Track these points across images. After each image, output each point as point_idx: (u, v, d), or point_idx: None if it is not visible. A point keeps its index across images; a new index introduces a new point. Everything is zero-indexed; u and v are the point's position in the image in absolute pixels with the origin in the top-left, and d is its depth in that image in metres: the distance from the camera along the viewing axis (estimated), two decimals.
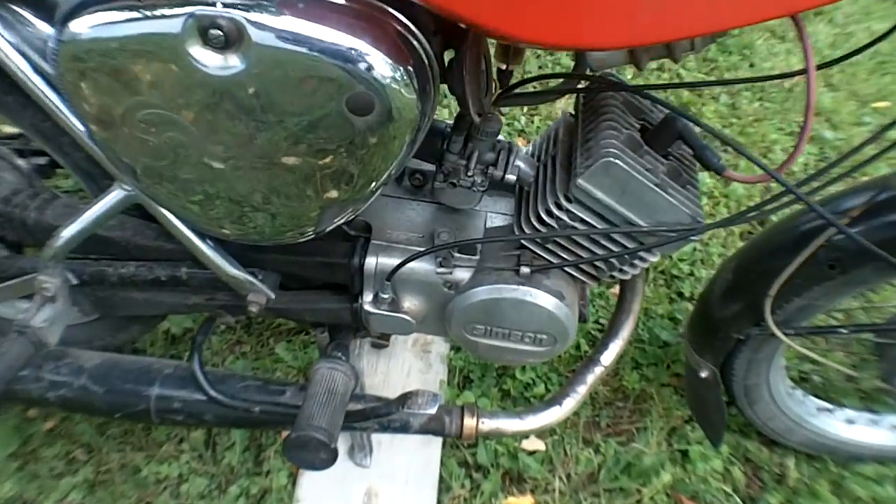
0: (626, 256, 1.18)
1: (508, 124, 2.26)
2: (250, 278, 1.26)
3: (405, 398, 1.23)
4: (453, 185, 1.20)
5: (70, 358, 1.31)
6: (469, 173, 1.19)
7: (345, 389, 1.22)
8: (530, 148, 1.36)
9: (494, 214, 1.32)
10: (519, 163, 1.21)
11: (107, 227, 1.27)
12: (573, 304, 1.22)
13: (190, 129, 0.96)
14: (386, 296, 1.23)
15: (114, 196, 1.16)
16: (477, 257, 1.23)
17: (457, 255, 1.22)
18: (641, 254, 1.17)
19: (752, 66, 2.83)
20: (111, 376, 1.30)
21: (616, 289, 2.01)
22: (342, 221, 1.12)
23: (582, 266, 1.22)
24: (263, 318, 1.45)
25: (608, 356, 1.40)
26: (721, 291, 1.44)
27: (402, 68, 0.91)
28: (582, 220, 1.14)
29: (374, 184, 1.04)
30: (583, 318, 1.29)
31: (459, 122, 1.16)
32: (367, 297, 1.27)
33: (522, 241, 1.21)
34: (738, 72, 2.77)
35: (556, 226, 1.15)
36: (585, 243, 1.17)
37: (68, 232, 1.19)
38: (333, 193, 1.03)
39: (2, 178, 1.36)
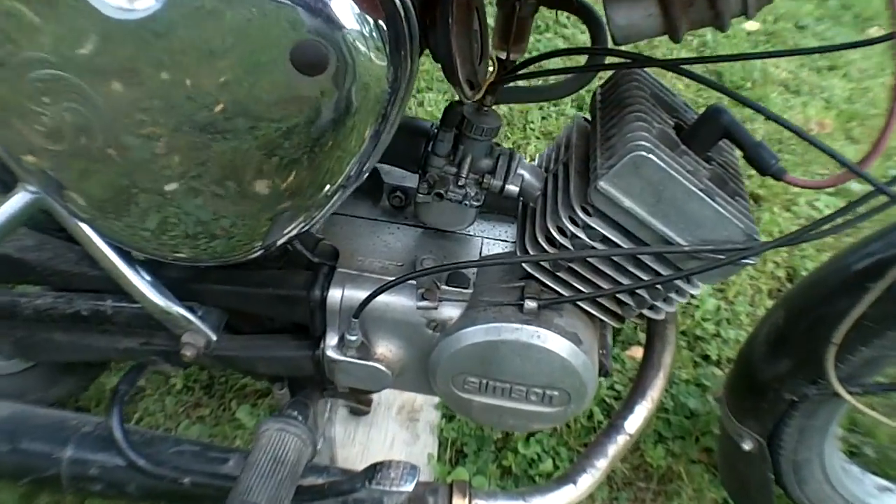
0: (660, 287, 0.92)
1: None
2: (185, 313, 0.99)
3: (374, 470, 0.95)
4: (440, 197, 0.95)
5: None
6: (460, 183, 0.94)
7: (296, 457, 0.94)
8: (537, 159, 1.11)
9: (492, 241, 1.06)
10: (522, 171, 0.97)
11: (21, 249, 1.04)
12: (591, 351, 0.96)
13: (92, 97, 0.72)
14: (353, 338, 0.96)
15: (16, 200, 0.89)
16: (469, 290, 0.97)
17: (444, 287, 0.96)
18: (679, 283, 0.91)
19: (766, 118, 2.62)
20: (18, 432, 1.04)
21: (634, 350, 1.77)
22: (294, 233, 0.88)
23: (602, 301, 0.95)
24: (208, 367, 1.18)
25: (634, 422, 1.12)
26: (769, 343, 1.18)
27: (370, 21, 0.68)
28: (603, 239, 0.89)
29: (329, 182, 0.80)
30: (604, 372, 1.02)
31: (448, 115, 0.93)
32: (331, 339, 1.00)
33: (526, 268, 0.94)
34: (754, 123, 2.56)
35: (569, 246, 0.89)
36: (607, 270, 0.91)
37: None
38: (277, 191, 0.79)
39: None
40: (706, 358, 1.77)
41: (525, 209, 1.00)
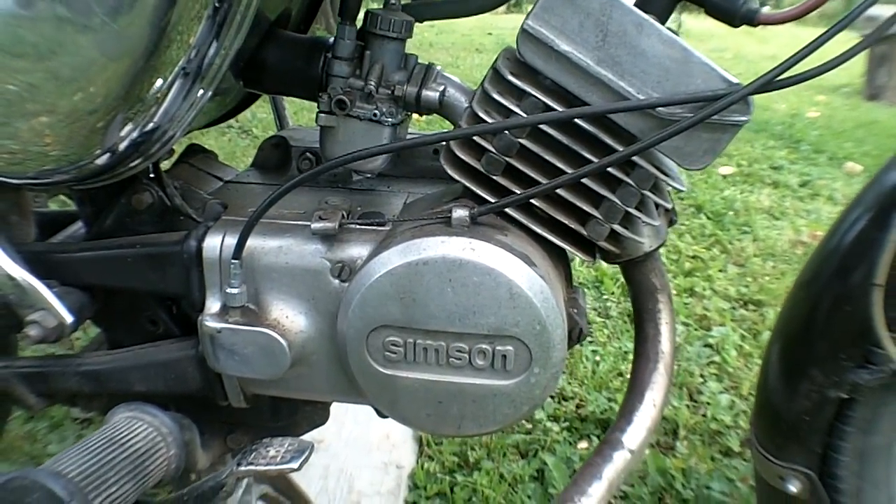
0: (629, 181, 0.68)
1: None
2: (38, 286, 0.75)
3: (249, 452, 0.65)
4: (342, 107, 0.74)
5: None
6: (368, 91, 0.74)
7: (145, 448, 0.65)
8: None
9: (419, 195, 0.84)
10: (444, 82, 0.77)
11: None
12: (551, 281, 0.69)
13: None
14: (235, 290, 0.71)
15: None
16: (386, 228, 0.73)
17: (353, 225, 0.73)
18: (648, 166, 0.68)
19: (755, 239, 2.46)
20: None
21: None
22: (135, 135, 0.69)
23: (560, 218, 0.71)
24: (87, 395, 0.89)
25: (634, 435, 0.82)
26: (793, 335, 0.91)
27: None
28: (539, 108, 0.67)
29: (162, 73, 0.65)
30: (579, 333, 0.75)
31: (346, 5, 0.75)
32: (211, 306, 0.74)
33: (456, 177, 0.71)
34: (742, 242, 2.39)
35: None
36: (560, 164, 0.68)
37: None
38: (95, 78, 0.63)
39: None
40: (727, 453, 1.44)
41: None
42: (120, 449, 0.66)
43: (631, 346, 1.73)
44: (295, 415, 0.88)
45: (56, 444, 1.36)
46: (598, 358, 1.71)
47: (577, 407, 1.53)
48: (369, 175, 0.83)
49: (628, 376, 1.53)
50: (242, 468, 0.65)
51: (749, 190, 2.91)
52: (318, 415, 0.90)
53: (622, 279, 1.93)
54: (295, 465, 0.65)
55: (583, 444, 1.41)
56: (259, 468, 0.65)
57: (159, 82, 0.66)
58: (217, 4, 0.63)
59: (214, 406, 0.84)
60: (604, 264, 1.98)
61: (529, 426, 1.44)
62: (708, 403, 1.58)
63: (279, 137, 0.89)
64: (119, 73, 0.64)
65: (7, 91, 0.64)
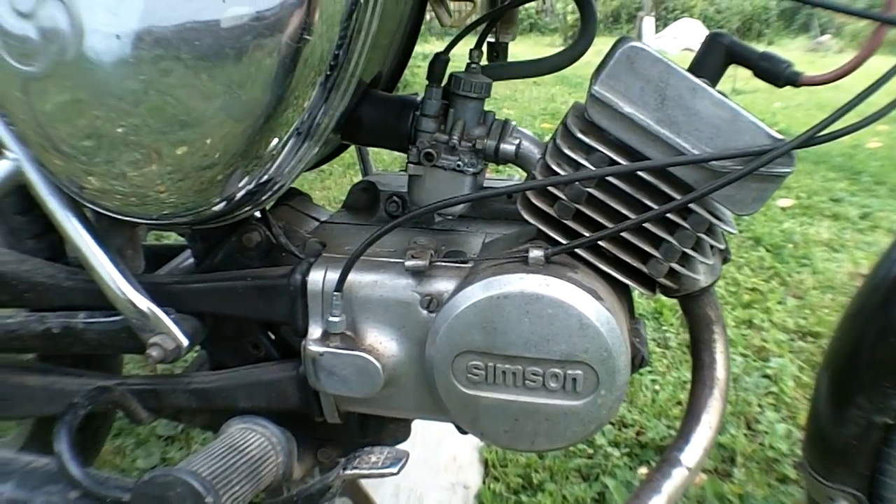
0: (685, 225, 0.79)
1: None
2: (159, 313, 0.88)
3: (353, 458, 0.76)
4: (430, 159, 0.87)
5: None
6: (452, 144, 0.86)
7: (259, 455, 0.77)
8: None
9: (496, 235, 0.95)
10: (519, 136, 0.89)
11: (1, 262, 0.98)
12: (617, 314, 0.80)
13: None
14: (336, 318, 0.83)
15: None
16: (468, 266, 0.85)
17: (440, 263, 0.84)
18: (704, 213, 0.78)
19: (814, 271, 2.51)
20: None
21: None
22: (251, 186, 0.81)
23: (621, 255, 0.82)
24: (182, 411, 1.02)
25: (692, 454, 0.92)
26: (842, 364, 1.00)
27: None
28: (606, 162, 0.78)
29: (278, 134, 0.77)
30: (640, 360, 0.85)
31: (433, 68, 0.88)
32: (314, 332, 0.86)
33: (531, 220, 0.83)
34: (801, 275, 2.45)
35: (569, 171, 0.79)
36: (623, 210, 0.79)
37: None
38: (221, 138, 0.76)
39: None
40: (783, 480, 1.51)
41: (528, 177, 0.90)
42: (239, 455, 0.79)
43: (689, 375, 1.81)
44: (381, 431, 1.00)
45: (143, 458, 1.50)
46: (657, 387, 1.79)
47: (637, 434, 1.61)
48: (450, 217, 0.95)
49: (686, 405, 1.61)
50: (349, 472, 0.77)
51: (808, 222, 2.96)
52: (400, 431, 1.01)
53: (680, 312, 2.01)
54: (395, 469, 0.76)
55: (642, 470, 1.50)
56: (363, 472, 0.76)
57: (275, 141, 0.78)
58: (329, 72, 0.76)
59: (309, 422, 0.96)
60: (663, 297, 2.08)
61: (591, 451, 1.53)
62: (765, 432, 1.65)
63: (367, 182, 1.02)
64: (241, 133, 0.76)
65: (126, 142, 0.76)
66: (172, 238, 1.61)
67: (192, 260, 1.09)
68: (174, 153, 0.77)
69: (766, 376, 1.90)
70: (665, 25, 13.42)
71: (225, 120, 0.75)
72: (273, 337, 0.98)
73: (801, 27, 16.33)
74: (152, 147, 0.77)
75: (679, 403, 1.75)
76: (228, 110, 0.74)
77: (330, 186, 3.27)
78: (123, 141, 0.77)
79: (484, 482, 1.43)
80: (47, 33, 0.73)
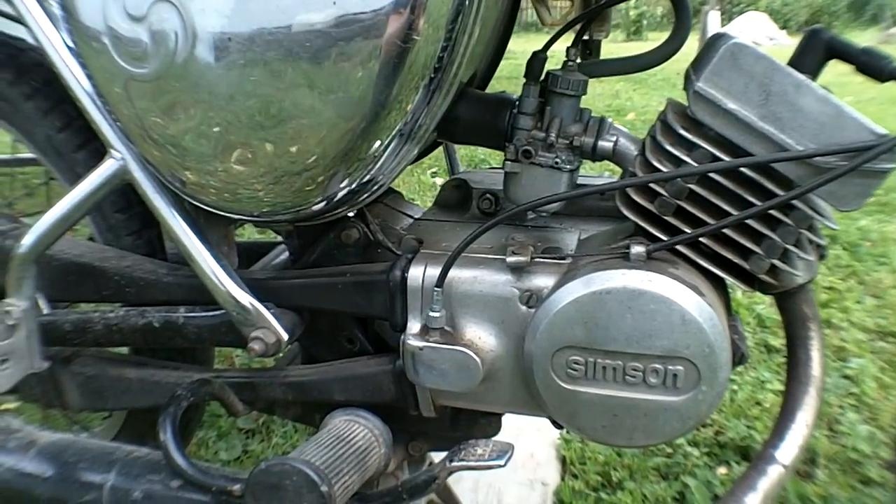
0: (787, 221, 0.81)
1: None
2: (260, 307, 0.94)
3: (459, 451, 0.80)
4: (528, 156, 0.90)
5: (22, 433, 0.99)
6: (549, 142, 0.89)
7: (364, 445, 0.82)
8: None
9: (592, 231, 0.98)
10: (616, 132, 0.91)
11: (103, 259, 1.06)
12: (718, 309, 0.82)
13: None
14: (437, 313, 0.87)
15: (105, 168, 0.93)
16: (566, 262, 0.88)
17: (538, 259, 0.87)
18: (804, 208, 0.80)
19: (892, 270, 2.47)
20: (63, 457, 0.95)
21: None
22: (353, 185, 0.85)
23: (722, 252, 0.84)
24: (276, 404, 1.06)
25: (787, 451, 0.93)
26: None
27: None
28: (708, 158, 0.80)
29: (380, 137, 0.81)
30: (740, 356, 0.87)
31: (531, 67, 0.91)
32: (413, 326, 0.90)
33: (630, 217, 0.85)
34: (879, 273, 2.42)
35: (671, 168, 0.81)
36: (724, 206, 0.81)
37: (50, 217, 0.95)
38: (325, 140, 0.80)
39: None
40: (867, 482, 1.51)
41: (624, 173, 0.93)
42: (346, 445, 0.83)
43: (767, 375, 1.82)
44: (472, 425, 1.03)
45: (224, 451, 1.56)
46: (735, 387, 1.80)
47: (717, 433, 1.63)
48: (544, 214, 0.98)
49: (766, 405, 1.63)
50: (456, 464, 0.80)
51: (886, 220, 2.91)
52: (491, 426, 1.05)
53: (756, 311, 2.01)
54: (501, 462, 0.79)
55: (722, 470, 1.51)
56: (470, 464, 0.80)
57: (378, 143, 0.81)
58: (433, 75, 0.79)
59: (401, 415, 1.00)
60: (738, 296, 2.07)
61: (670, 450, 1.55)
62: (847, 434, 1.65)
63: (459, 180, 1.05)
64: (345, 136, 0.79)
65: (233, 143, 0.81)
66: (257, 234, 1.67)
67: (284, 256, 1.14)
68: (279, 154, 0.81)
69: (847, 377, 1.89)
70: (730, 19, 13.25)
71: (330, 122, 0.79)
72: (368, 331, 1.02)
73: (871, 18, 15.92)
74: (258, 147, 0.82)
75: (758, 403, 1.75)
76: (334, 113, 0.78)
77: (398, 184, 3.33)
78: (230, 141, 0.81)
79: (563, 479, 1.46)
80: (159, 36, 0.78)
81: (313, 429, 1.53)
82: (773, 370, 1.91)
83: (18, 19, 0.96)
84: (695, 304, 0.80)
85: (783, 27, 14.08)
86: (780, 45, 12.03)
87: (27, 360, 1.04)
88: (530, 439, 1.52)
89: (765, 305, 2.18)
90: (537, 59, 0.90)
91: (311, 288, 0.96)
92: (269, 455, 1.53)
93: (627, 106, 5.44)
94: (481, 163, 3.33)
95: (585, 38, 0.95)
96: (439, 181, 3.27)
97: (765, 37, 12.73)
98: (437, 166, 3.16)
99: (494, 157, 3.40)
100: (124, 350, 1.18)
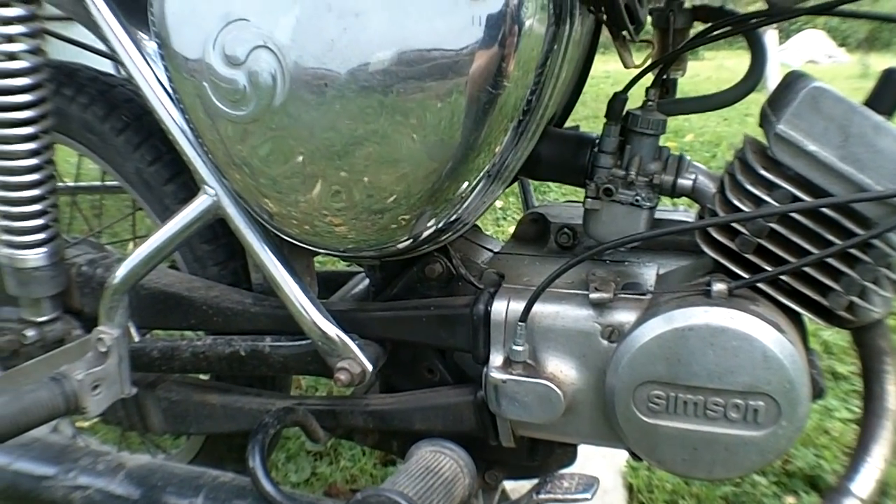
0: (866, 258, 0.84)
1: None
2: (346, 338, 1.00)
3: (545, 483, 0.85)
4: (609, 194, 0.95)
5: (111, 456, 1.05)
6: (629, 180, 0.94)
7: (451, 476, 0.87)
8: None
9: (671, 267, 1.02)
10: (695, 170, 0.96)
11: (191, 289, 1.13)
12: (798, 346, 0.86)
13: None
14: (520, 347, 0.92)
15: (199, 203, 0.99)
16: (647, 297, 0.92)
17: (619, 294, 0.92)
18: (883, 246, 0.84)
19: None
20: (151, 480, 1.02)
21: None
22: (441, 224, 0.91)
23: (801, 289, 0.88)
24: (366, 431, 1.13)
25: (863, 484, 0.96)
26: None
27: None
28: (788, 198, 0.85)
29: (468, 178, 0.86)
30: (818, 391, 0.91)
31: (612, 107, 0.96)
32: (496, 359, 0.95)
33: (711, 254, 0.90)
34: None
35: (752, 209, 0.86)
36: (804, 244, 0.85)
37: (144, 249, 1.02)
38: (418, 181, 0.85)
39: None
40: None
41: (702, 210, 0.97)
42: (435, 476, 0.89)
43: (835, 403, 1.84)
44: (548, 455, 1.09)
45: (294, 473, 1.63)
46: None
47: (785, 462, 1.65)
48: (621, 248, 1.03)
49: (834, 433, 1.65)
50: (542, 496, 0.85)
51: None
52: (567, 456, 1.09)
53: (823, 338, 2.02)
54: (588, 495, 0.84)
55: (790, 500, 1.53)
56: (557, 497, 0.85)
57: (465, 184, 0.87)
58: (521, 118, 0.84)
59: (480, 445, 1.05)
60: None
61: (738, 479, 1.57)
62: None
63: (537, 214, 1.11)
64: (432, 176, 0.85)
65: (325, 183, 0.87)
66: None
67: (361, 286, 1.20)
68: (370, 193, 0.87)
69: None
70: (788, 37, 13.13)
71: (421, 163, 0.84)
72: (447, 362, 1.08)
73: None
74: (350, 187, 0.87)
75: (826, 432, 1.77)
76: (425, 154, 0.83)
77: None
78: (323, 180, 0.87)
79: None
80: (257, 81, 0.84)
81: (381, 452, 1.61)
82: (840, 398, 1.92)
83: (112, 56, 1.03)
84: (776, 341, 0.84)
85: (841, 44, 13.94)
86: (839, 62, 11.89)
87: (118, 386, 1.10)
88: (596, 466, 1.56)
89: (831, 332, 2.19)
90: (618, 99, 0.95)
91: (396, 320, 1.02)
92: (338, 477, 1.59)
93: (685, 127, 5.43)
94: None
95: (664, 77, 1.00)
96: (498, 203, 3.33)
97: (823, 55, 12.61)
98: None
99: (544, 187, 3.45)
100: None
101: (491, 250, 1.11)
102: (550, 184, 2.73)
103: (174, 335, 1.46)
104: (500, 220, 3.31)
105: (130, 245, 2.02)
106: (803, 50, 12.10)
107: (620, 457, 1.62)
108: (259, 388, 1.22)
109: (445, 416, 1.03)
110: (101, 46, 1.11)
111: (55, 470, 1.04)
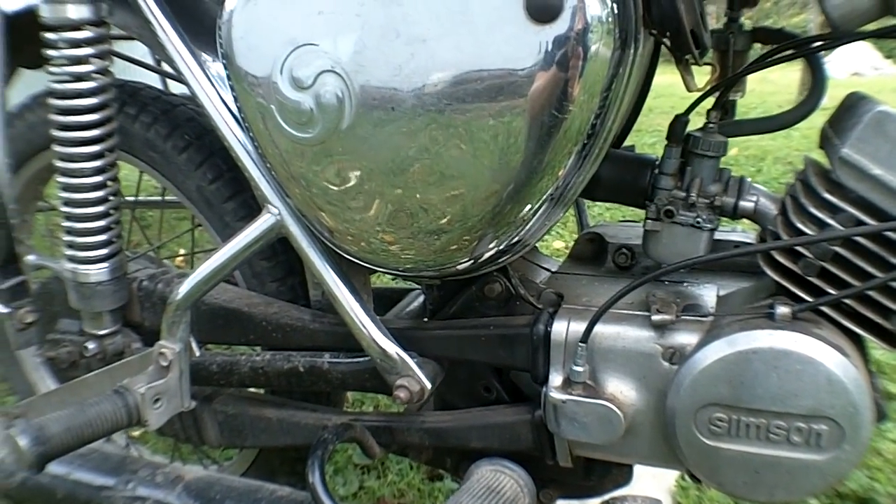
0: None
1: None
2: (405, 356, 1.02)
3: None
4: (670, 216, 0.97)
5: (169, 468, 1.08)
6: (690, 202, 0.96)
7: (513, 496, 0.89)
8: None
9: (730, 288, 1.04)
10: (756, 192, 0.98)
11: (251, 305, 1.17)
12: (861, 369, 0.88)
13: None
14: (580, 368, 0.94)
15: (262, 222, 1.02)
16: (709, 319, 0.94)
17: (681, 316, 0.94)
18: None
19: None
20: (208, 493, 1.06)
21: None
22: (502, 246, 0.93)
23: (863, 311, 0.89)
24: (420, 447, 1.15)
25: None
26: None
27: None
28: (853, 222, 0.86)
29: (531, 201, 0.87)
30: (881, 414, 0.92)
31: (673, 129, 0.98)
32: (555, 380, 0.98)
33: (774, 277, 0.92)
34: None
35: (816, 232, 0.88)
36: (868, 268, 0.87)
37: (207, 267, 1.05)
38: (480, 203, 0.87)
39: None
40: None
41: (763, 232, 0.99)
42: (496, 496, 0.91)
43: (889, 425, 1.83)
44: (605, 475, 1.11)
45: (342, 486, 1.65)
46: None
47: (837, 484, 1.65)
48: (682, 270, 1.04)
49: (887, 455, 1.64)
50: None
51: None
52: (622, 476, 1.11)
53: (874, 356, 2.01)
54: None
55: None
56: None
57: (528, 207, 0.89)
58: (585, 141, 0.86)
59: (536, 464, 1.07)
60: None
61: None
62: None
63: (593, 233, 1.13)
64: (494, 199, 0.87)
65: (391, 205, 0.89)
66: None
67: (416, 304, 1.23)
68: (434, 215, 0.90)
69: None
70: (833, 49, 12.97)
71: (484, 186, 0.86)
72: (504, 381, 1.10)
73: None
74: (414, 208, 0.89)
75: (879, 453, 1.76)
76: (489, 177, 0.85)
77: None
78: (387, 201, 0.90)
79: None
80: (324, 104, 0.87)
81: (428, 467, 1.63)
82: (893, 419, 1.91)
83: (177, 77, 1.07)
84: (840, 365, 0.85)
85: (888, 56, 13.76)
86: (885, 74, 11.73)
87: (178, 400, 1.14)
88: (646, 485, 1.57)
89: (883, 351, 2.18)
90: (679, 121, 0.97)
91: (455, 339, 1.05)
92: (385, 492, 1.62)
93: (730, 142, 5.41)
94: None
95: (728, 97, 1.02)
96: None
97: (869, 67, 12.47)
98: None
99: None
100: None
101: (549, 270, 1.14)
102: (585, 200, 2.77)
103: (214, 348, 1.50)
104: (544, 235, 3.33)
105: (178, 259, 2.08)
106: (849, 62, 11.97)
107: (670, 476, 1.63)
108: (313, 402, 1.25)
109: (502, 434, 1.05)
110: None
111: (114, 481, 1.09)
